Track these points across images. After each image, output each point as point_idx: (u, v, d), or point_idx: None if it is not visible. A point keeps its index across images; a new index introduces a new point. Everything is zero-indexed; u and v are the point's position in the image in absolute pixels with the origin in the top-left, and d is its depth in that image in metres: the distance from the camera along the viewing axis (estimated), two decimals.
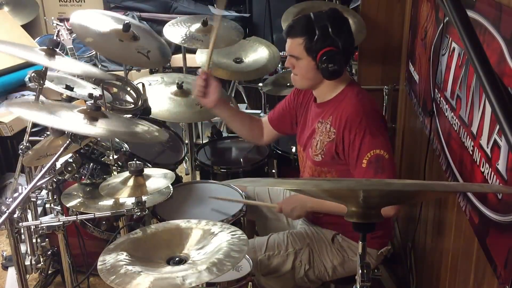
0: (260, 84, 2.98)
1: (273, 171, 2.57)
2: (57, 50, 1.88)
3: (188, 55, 2.94)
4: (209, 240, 1.39)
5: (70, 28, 2.87)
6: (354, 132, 1.72)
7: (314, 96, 1.95)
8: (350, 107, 1.76)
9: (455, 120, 1.64)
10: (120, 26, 2.28)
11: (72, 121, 1.54)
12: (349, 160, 1.77)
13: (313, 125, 1.91)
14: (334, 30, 1.73)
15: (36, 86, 1.92)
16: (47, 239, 2.09)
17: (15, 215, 1.53)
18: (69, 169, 1.71)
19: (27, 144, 1.99)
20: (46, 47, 1.82)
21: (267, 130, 2.18)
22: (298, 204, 1.86)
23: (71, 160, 1.73)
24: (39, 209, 2.22)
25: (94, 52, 3.66)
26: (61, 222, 1.66)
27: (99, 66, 3.71)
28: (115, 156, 1.88)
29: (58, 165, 1.73)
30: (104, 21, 2.32)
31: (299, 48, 1.77)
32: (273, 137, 2.23)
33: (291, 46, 1.80)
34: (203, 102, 2.03)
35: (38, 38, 3.79)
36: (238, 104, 3.57)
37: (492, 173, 1.27)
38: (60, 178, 1.81)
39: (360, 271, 1.09)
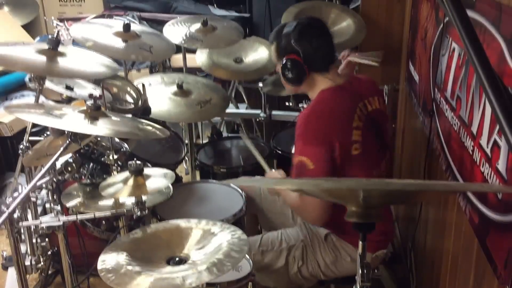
0: (260, 84, 2.98)
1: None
2: (58, 50, 1.88)
3: (188, 55, 2.93)
4: (209, 240, 1.38)
5: (69, 27, 2.87)
6: (296, 134, 1.81)
7: None
8: (305, 111, 1.86)
9: (455, 120, 1.64)
10: (120, 28, 2.29)
11: (73, 121, 1.55)
12: None
13: None
14: (295, 39, 1.81)
15: (36, 87, 1.92)
16: (47, 239, 2.09)
17: (15, 215, 1.53)
18: (69, 169, 1.71)
19: (27, 144, 1.99)
20: (46, 48, 1.82)
21: None
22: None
23: (71, 160, 1.73)
24: (39, 209, 2.22)
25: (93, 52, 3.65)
26: (61, 222, 1.65)
27: None
28: (115, 156, 1.88)
29: (58, 165, 1.73)
30: (104, 28, 2.35)
31: (273, 54, 1.92)
32: None
33: (272, 51, 1.94)
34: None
35: (38, 38, 3.78)
36: (238, 104, 3.57)
37: (492, 173, 1.27)
38: (60, 178, 1.81)
39: (360, 271, 1.09)
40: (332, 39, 1.90)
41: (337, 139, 1.76)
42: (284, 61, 1.83)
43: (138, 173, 1.60)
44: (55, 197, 2.04)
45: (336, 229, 1.91)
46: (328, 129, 1.78)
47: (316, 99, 1.86)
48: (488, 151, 1.30)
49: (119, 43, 2.29)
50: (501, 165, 1.22)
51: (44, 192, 2.18)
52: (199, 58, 2.87)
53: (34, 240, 2.03)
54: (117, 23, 2.40)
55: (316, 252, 1.93)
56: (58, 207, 1.93)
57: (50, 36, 1.88)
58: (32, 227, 1.97)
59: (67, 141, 1.57)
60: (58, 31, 2.69)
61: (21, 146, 1.99)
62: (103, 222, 1.94)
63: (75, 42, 2.95)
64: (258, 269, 1.90)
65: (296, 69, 1.82)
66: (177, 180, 2.14)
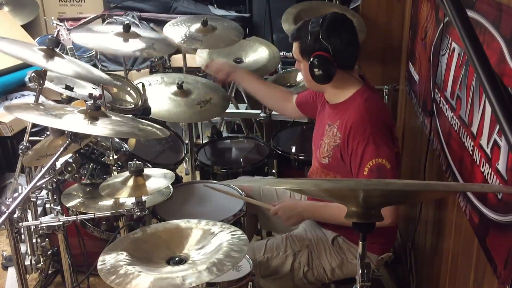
0: None
1: (273, 171, 2.57)
2: (57, 50, 1.88)
3: (188, 55, 2.93)
4: (209, 240, 1.38)
5: (70, 28, 2.87)
6: (358, 140, 1.73)
7: None
8: (356, 114, 1.76)
9: (455, 120, 1.64)
10: (120, 29, 2.29)
11: (73, 121, 1.55)
12: (351, 168, 1.77)
13: (324, 127, 1.93)
14: (325, 35, 1.75)
15: (36, 86, 1.91)
16: (47, 239, 2.09)
17: (15, 215, 1.53)
18: (69, 169, 1.71)
19: (27, 144, 1.99)
20: (45, 47, 1.82)
21: (293, 106, 2.28)
22: (295, 213, 1.90)
23: (71, 160, 1.73)
24: (39, 209, 2.22)
25: (94, 52, 3.66)
26: (61, 222, 1.65)
27: (99, 66, 3.70)
28: (115, 156, 1.88)
29: (58, 165, 1.72)
30: (104, 30, 2.35)
31: (297, 51, 1.85)
32: (299, 115, 2.33)
33: (294, 50, 1.88)
34: (225, 79, 2.46)
35: (38, 38, 3.78)
36: (238, 104, 3.57)
37: (492, 173, 1.27)
38: (60, 178, 1.81)
39: (360, 271, 1.09)
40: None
41: (395, 135, 1.82)
42: (312, 59, 1.76)
43: (138, 173, 1.60)
44: (55, 197, 2.04)
45: (346, 231, 1.90)
46: (389, 126, 1.80)
47: (360, 101, 1.80)
48: (488, 151, 1.30)
49: (120, 42, 2.29)
50: (501, 165, 1.22)
51: (44, 192, 2.18)
52: (199, 58, 2.87)
53: (34, 240, 2.03)
54: (116, 27, 2.41)
55: (322, 256, 1.93)
56: (58, 207, 1.93)
57: (50, 36, 1.88)
58: (32, 227, 1.96)
59: (67, 141, 1.57)
60: (58, 31, 2.69)
61: (21, 146, 1.99)
62: (103, 222, 1.94)
63: (75, 43, 2.95)
64: (264, 275, 1.90)
65: (325, 67, 1.76)
66: (177, 180, 2.15)
